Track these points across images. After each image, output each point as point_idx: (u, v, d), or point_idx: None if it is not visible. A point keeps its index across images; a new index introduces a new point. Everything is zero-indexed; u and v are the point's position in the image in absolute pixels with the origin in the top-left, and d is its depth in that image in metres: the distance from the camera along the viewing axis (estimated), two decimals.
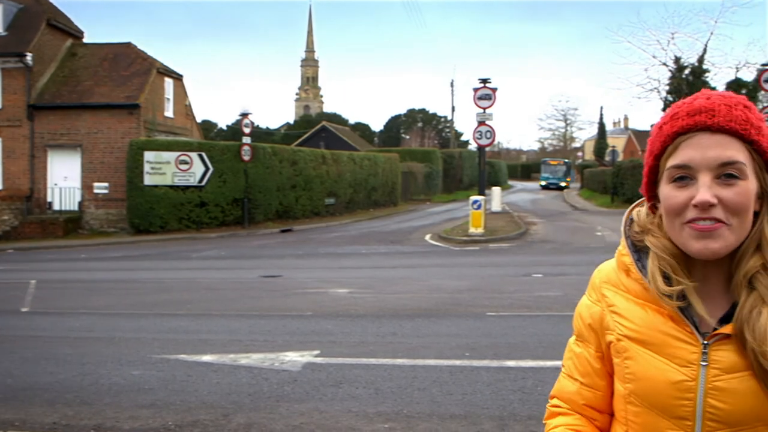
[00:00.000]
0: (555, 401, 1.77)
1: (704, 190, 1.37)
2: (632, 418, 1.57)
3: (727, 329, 1.43)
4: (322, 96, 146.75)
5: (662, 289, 1.46)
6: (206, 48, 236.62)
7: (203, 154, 27.31)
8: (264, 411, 6.05)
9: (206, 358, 7.79)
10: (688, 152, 1.41)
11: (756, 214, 1.44)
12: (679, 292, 1.45)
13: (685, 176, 1.41)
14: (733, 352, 1.42)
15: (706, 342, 1.45)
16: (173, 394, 6.53)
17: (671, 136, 1.44)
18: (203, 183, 27.25)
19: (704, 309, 1.45)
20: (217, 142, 34.82)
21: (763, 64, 24.22)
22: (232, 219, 27.88)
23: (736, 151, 1.38)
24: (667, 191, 1.45)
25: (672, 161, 1.43)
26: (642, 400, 1.53)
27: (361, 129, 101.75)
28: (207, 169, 27.24)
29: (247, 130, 28.47)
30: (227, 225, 27.74)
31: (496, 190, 38.98)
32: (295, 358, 7.71)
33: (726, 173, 1.38)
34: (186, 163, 26.96)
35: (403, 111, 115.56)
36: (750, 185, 1.39)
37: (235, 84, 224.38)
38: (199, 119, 43.01)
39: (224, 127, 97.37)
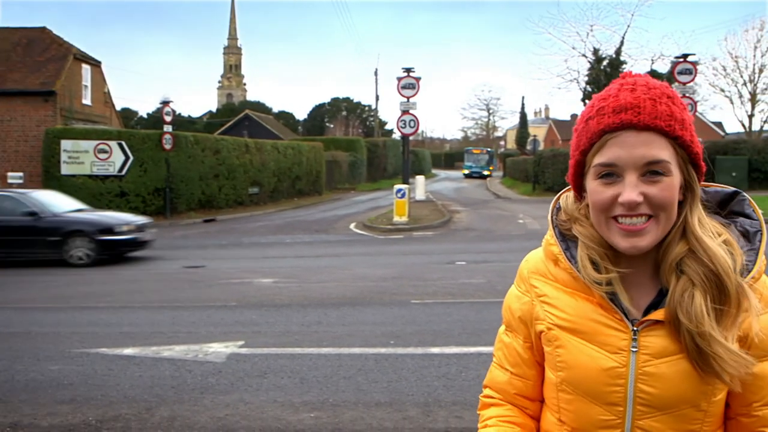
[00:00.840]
0: (487, 391, 1.79)
1: (630, 189, 1.40)
2: (564, 405, 1.60)
3: (655, 315, 1.47)
4: (245, 84, 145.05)
5: (592, 276, 1.49)
6: (126, 34, 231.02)
7: (123, 143, 26.68)
8: (188, 403, 5.98)
9: (128, 351, 7.65)
10: (614, 151, 1.42)
11: (680, 204, 1.47)
12: (608, 280, 1.48)
13: (611, 173, 1.43)
14: (661, 337, 1.46)
15: (635, 329, 1.48)
16: (94, 389, 6.40)
17: (598, 134, 1.45)
18: (123, 172, 26.64)
19: (629, 299, 1.49)
20: (138, 130, 34.00)
21: (677, 57, 24.98)
22: (154, 209, 27.31)
23: (661, 149, 1.41)
24: (593, 187, 1.47)
25: (598, 159, 1.45)
26: (574, 388, 1.56)
27: (285, 118, 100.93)
28: (127, 158, 26.63)
29: (168, 119, 27.90)
30: (148, 215, 27.13)
31: (420, 179, 39.29)
32: (219, 349, 7.64)
33: (651, 171, 1.40)
34: (105, 152, 26.30)
35: (327, 100, 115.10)
36: (674, 180, 1.42)
37: (156, 71, 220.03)
38: (118, 107, 42.04)
39: (145, 116, 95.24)
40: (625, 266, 1.50)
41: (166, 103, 28.34)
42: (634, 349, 1.48)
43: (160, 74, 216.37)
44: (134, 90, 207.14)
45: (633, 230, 1.42)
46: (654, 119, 1.40)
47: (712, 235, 1.47)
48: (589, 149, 1.47)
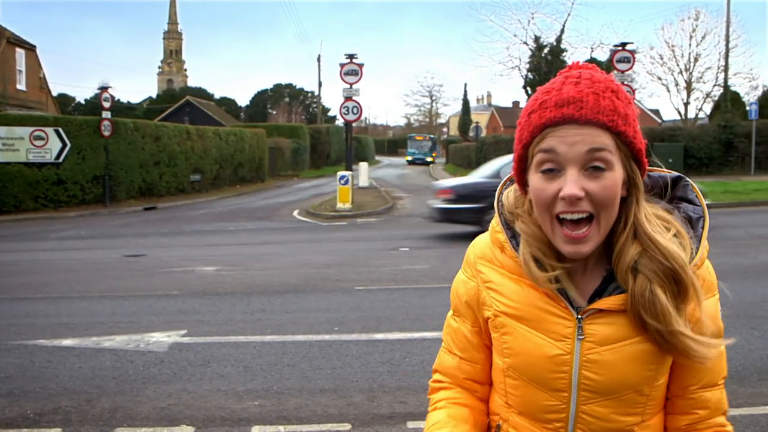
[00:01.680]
0: (437, 376, 1.80)
1: (571, 183, 1.40)
2: (511, 390, 1.62)
3: (600, 304, 1.49)
4: (186, 70, 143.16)
5: (536, 275, 1.50)
6: (63, 18, 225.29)
7: (60, 130, 26.02)
8: (130, 394, 5.91)
9: (67, 342, 7.51)
10: (555, 142, 1.42)
11: (624, 199, 1.48)
12: (554, 278, 1.49)
13: (553, 168, 1.43)
14: (606, 325, 1.49)
15: (580, 317, 1.50)
16: (32, 382, 6.26)
17: (539, 127, 1.44)
18: (60, 160, 26.00)
19: (576, 291, 1.51)
20: (75, 116, 33.25)
21: (616, 46, 25.38)
22: (93, 197, 26.79)
23: (603, 140, 1.40)
24: (535, 182, 1.46)
25: (539, 149, 1.44)
26: (520, 374, 1.58)
27: (227, 104, 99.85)
28: (64, 145, 25.99)
29: (106, 105, 27.33)
30: (87, 203, 26.64)
31: (363, 166, 39.32)
32: (161, 338, 7.55)
33: (593, 165, 1.40)
34: (41, 138, 25.62)
35: (269, 86, 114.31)
36: (616, 176, 1.42)
37: (94, 56, 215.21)
38: (55, 93, 41.12)
39: (83, 102, 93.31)
40: (569, 259, 1.50)
41: (104, 88, 27.76)
42: (579, 337, 1.50)
43: (98, 59, 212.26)
44: (71, 75, 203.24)
45: (576, 238, 1.42)
46: (596, 114, 1.40)
47: (661, 230, 1.48)
48: (531, 142, 1.47)
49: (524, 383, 1.58)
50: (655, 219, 1.49)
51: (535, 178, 1.46)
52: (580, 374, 1.51)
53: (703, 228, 1.53)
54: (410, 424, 5.12)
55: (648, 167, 1.56)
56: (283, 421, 5.27)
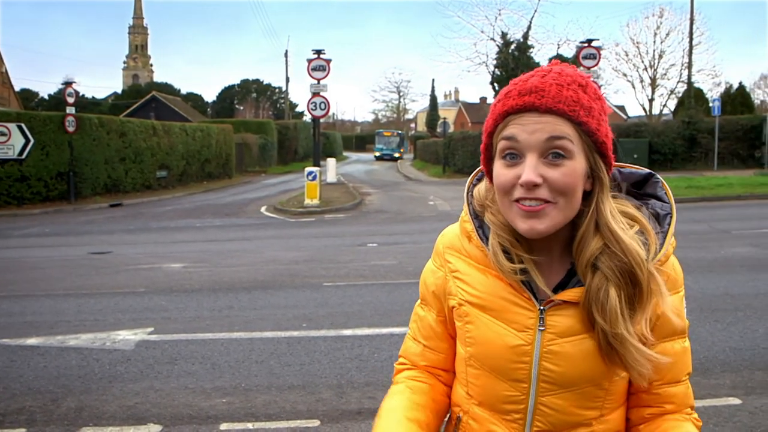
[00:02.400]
0: (402, 360, 1.82)
1: (529, 170, 1.40)
2: (472, 380, 1.63)
3: (562, 296, 1.50)
4: (152, 65, 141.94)
5: (503, 264, 1.51)
6: (25, 12, 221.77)
7: (23, 125, 25.59)
8: (96, 393, 5.85)
9: (31, 341, 7.42)
10: (516, 129, 1.43)
11: (589, 194, 1.49)
12: (521, 269, 1.50)
13: (514, 154, 1.44)
14: (567, 317, 1.50)
15: (542, 308, 1.51)
16: None
17: (502, 115, 1.46)
18: (23, 156, 25.59)
19: (543, 281, 1.51)
20: (39, 112, 32.76)
21: (582, 42, 25.59)
22: (57, 194, 26.44)
23: (562, 129, 1.41)
24: (497, 168, 1.48)
25: (501, 136, 1.46)
26: (481, 363, 1.59)
27: (194, 99, 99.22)
28: (27, 141, 25.58)
29: (71, 100, 26.95)
30: (52, 200, 26.28)
31: (331, 161, 39.25)
32: (127, 336, 7.48)
33: (553, 153, 1.41)
34: (3, 134, 25.18)
35: (236, 82, 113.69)
36: (577, 165, 1.43)
37: (58, 51, 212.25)
38: (17, 88, 40.51)
39: (46, 97, 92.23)
40: (536, 249, 1.52)
41: (68, 83, 27.36)
42: (541, 328, 1.51)
43: (62, 54, 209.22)
44: (34, 70, 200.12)
45: (531, 210, 1.42)
46: (557, 103, 1.41)
47: (625, 226, 1.49)
48: (494, 130, 1.49)
49: (485, 373, 1.60)
50: (619, 215, 1.50)
51: (498, 165, 1.48)
52: (540, 365, 1.52)
53: (669, 224, 1.54)
54: None
55: (618, 164, 1.58)
56: (252, 418, 5.25)
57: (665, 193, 1.60)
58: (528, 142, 1.42)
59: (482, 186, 1.65)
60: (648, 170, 1.64)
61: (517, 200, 1.44)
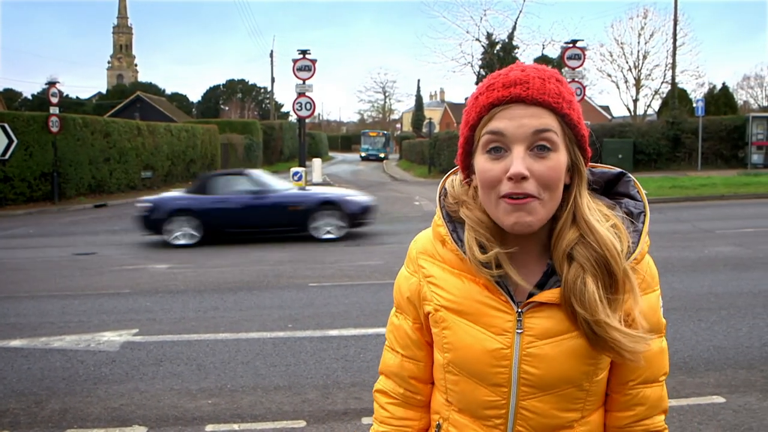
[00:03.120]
0: (381, 382, 1.81)
1: (518, 162, 1.39)
2: (451, 386, 1.62)
3: (539, 297, 1.49)
4: (136, 65, 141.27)
5: (478, 257, 1.49)
6: (9, 11, 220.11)
7: (6, 126, 25.31)
8: (80, 395, 5.82)
9: (15, 343, 7.37)
10: (502, 122, 1.42)
11: (568, 187, 1.49)
12: (495, 260, 1.48)
13: (499, 147, 1.43)
14: (545, 318, 1.49)
15: (520, 310, 1.50)
16: None
17: (487, 107, 1.45)
18: (6, 156, 25.33)
19: (519, 276, 1.49)
20: (22, 112, 32.50)
21: (567, 43, 25.67)
22: (41, 194, 26.27)
23: (549, 121, 1.42)
24: (481, 163, 1.46)
25: (487, 128, 1.44)
26: (460, 369, 1.58)
27: (179, 100, 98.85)
28: (10, 141, 25.32)
29: (54, 100, 26.80)
30: (36, 201, 26.11)
31: (317, 162, 39.20)
32: (112, 338, 7.45)
33: (539, 145, 1.41)
34: None
35: (222, 82, 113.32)
36: (561, 158, 1.43)
37: (42, 51, 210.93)
38: (0, 88, 40.14)
39: (30, 97, 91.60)
40: (513, 247, 1.50)
41: (52, 83, 27.22)
42: (519, 331, 1.50)
43: (45, 53, 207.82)
44: (18, 70, 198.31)
45: (518, 204, 1.41)
46: (542, 94, 1.41)
47: (600, 219, 1.49)
48: (478, 123, 1.47)
49: (464, 378, 1.58)
50: (596, 208, 1.51)
51: (481, 159, 1.46)
52: (520, 368, 1.51)
53: (643, 222, 1.55)
54: (365, 420, 5.13)
55: (591, 163, 1.58)
56: (237, 420, 5.24)
57: (638, 191, 1.60)
58: (515, 132, 1.41)
59: (457, 181, 1.64)
60: (620, 169, 1.65)
61: (504, 195, 1.43)
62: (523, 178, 1.39)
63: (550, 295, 1.49)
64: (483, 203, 1.50)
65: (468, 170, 1.56)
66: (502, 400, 1.54)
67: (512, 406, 1.54)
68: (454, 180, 1.65)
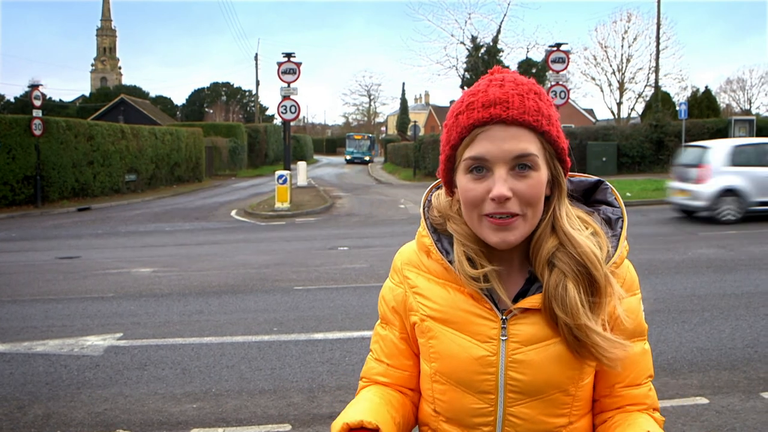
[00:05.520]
0: (365, 379, 1.79)
1: (500, 184, 1.42)
2: (439, 395, 1.63)
3: (523, 303, 1.51)
4: (120, 68, 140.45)
5: (469, 272, 1.51)
6: None
7: None
8: (64, 400, 5.79)
9: None
10: (484, 145, 1.43)
11: (548, 198, 1.51)
12: (484, 276, 1.51)
13: (481, 167, 1.45)
14: (530, 325, 1.51)
15: (504, 317, 1.52)
16: None
17: (468, 128, 1.46)
18: None
19: (504, 290, 1.52)
20: (4, 115, 32.29)
21: (551, 46, 25.80)
22: (24, 198, 26.10)
23: (529, 143, 1.43)
24: (464, 183, 1.48)
25: (469, 153, 1.46)
26: (447, 378, 1.59)
27: (163, 103, 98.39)
28: None
29: (37, 103, 26.65)
30: (18, 205, 25.93)
31: (301, 165, 39.18)
32: (96, 342, 7.41)
33: (520, 164, 1.43)
34: None
35: (206, 85, 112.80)
36: (542, 175, 1.45)
37: (24, 53, 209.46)
38: None
39: (12, 99, 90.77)
40: (497, 259, 1.54)
41: (35, 86, 27.09)
42: (504, 338, 1.52)
43: (28, 55, 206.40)
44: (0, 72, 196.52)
45: (502, 224, 1.44)
46: (522, 114, 1.43)
47: (580, 227, 1.52)
48: (459, 143, 1.49)
49: (451, 387, 1.59)
50: (575, 217, 1.54)
51: (463, 180, 1.48)
52: (507, 375, 1.52)
53: (621, 228, 1.58)
54: None
55: (570, 172, 1.60)
56: (222, 423, 5.23)
57: (615, 198, 1.64)
58: (496, 154, 1.43)
59: (442, 196, 1.65)
60: (597, 177, 1.68)
61: (487, 214, 1.45)
62: (507, 199, 1.42)
63: (533, 300, 1.51)
64: (466, 219, 1.53)
65: (450, 185, 1.58)
66: (490, 407, 1.56)
67: (500, 413, 1.55)
68: (439, 195, 1.67)
